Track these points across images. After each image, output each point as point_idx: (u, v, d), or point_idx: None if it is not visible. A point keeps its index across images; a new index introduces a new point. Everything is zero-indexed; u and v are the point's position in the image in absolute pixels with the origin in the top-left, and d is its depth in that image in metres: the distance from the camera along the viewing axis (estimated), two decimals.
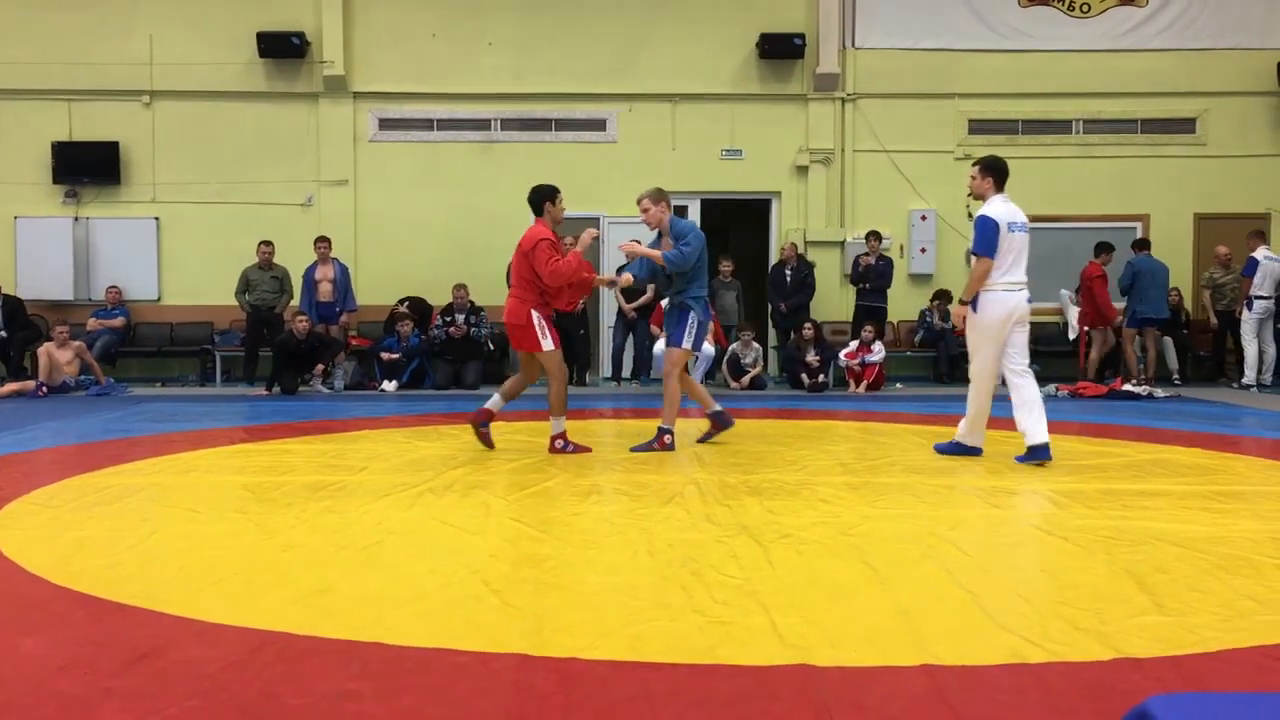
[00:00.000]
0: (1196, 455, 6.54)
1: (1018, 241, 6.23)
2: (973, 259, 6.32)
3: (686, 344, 6.83)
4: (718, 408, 7.12)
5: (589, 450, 6.65)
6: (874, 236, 12.78)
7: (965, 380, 6.66)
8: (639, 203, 7.00)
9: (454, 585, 3.38)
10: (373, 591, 3.34)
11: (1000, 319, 6.21)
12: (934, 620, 2.98)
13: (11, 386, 11.17)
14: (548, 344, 6.57)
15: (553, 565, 3.66)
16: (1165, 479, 5.52)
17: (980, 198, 6.45)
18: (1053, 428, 6.25)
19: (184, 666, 2.59)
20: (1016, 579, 3.45)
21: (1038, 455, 6.01)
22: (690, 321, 6.81)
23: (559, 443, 6.61)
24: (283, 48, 13.16)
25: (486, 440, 6.77)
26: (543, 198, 6.86)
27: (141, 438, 7.43)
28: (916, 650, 2.70)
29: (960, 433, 6.55)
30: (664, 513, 4.56)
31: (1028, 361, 6.32)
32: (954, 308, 6.51)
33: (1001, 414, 6.46)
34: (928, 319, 13.00)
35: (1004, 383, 6.37)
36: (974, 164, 6.57)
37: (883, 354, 11.90)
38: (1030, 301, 6.30)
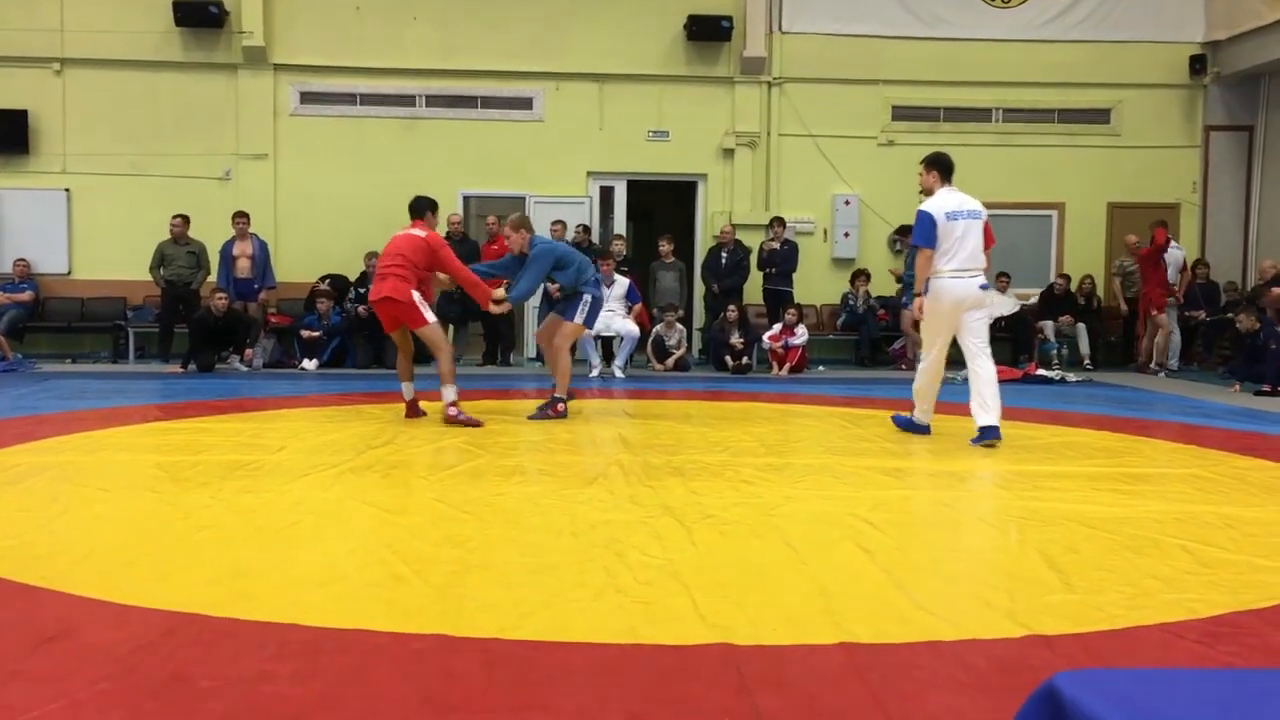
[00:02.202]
0: (1106, 438, 6.73)
1: (959, 229, 6.40)
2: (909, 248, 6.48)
3: (578, 320, 7.32)
4: (564, 396, 7.39)
5: (480, 424, 6.81)
6: (778, 222, 12.86)
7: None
8: (501, 231, 7.21)
9: (374, 566, 3.35)
10: (291, 573, 3.29)
11: (950, 305, 6.42)
12: (852, 599, 3.03)
13: None
14: (430, 318, 7.02)
15: (474, 545, 3.64)
16: (1075, 461, 5.67)
17: (928, 192, 6.64)
18: (968, 410, 6.37)
19: (94, 649, 2.53)
20: (932, 559, 3.52)
21: (988, 436, 6.16)
22: (583, 302, 7.29)
23: (452, 410, 6.86)
24: (200, 16, 12.82)
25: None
26: (427, 206, 7.41)
27: (50, 415, 7.22)
28: (835, 629, 2.74)
29: (917, 412, 6.81)
30: (587, 493, 4.56)
31: (985, 343, 6.55)
32: (915, 301, 6.73)
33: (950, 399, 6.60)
34: (850, 302, 13.15)
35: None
36: (920, 161, 6.81)
37: (806, 337, 12.02)
38: (985, 288, 6.53)
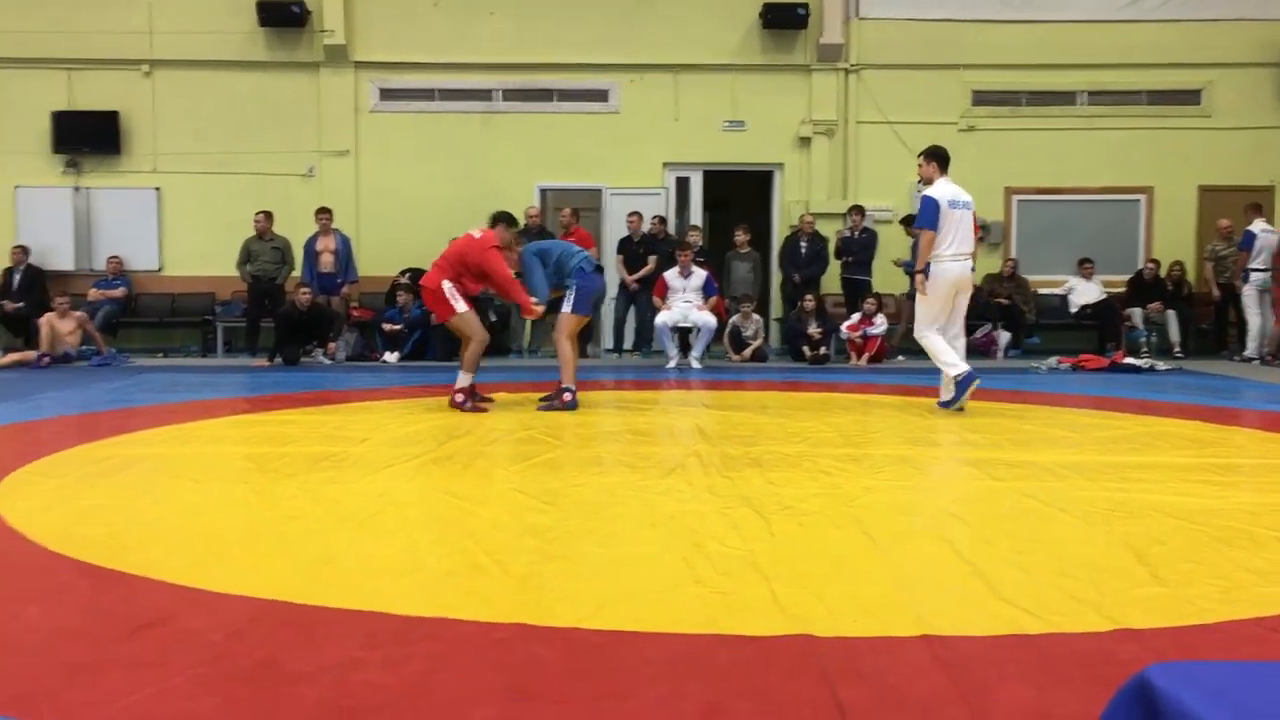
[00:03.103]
0: (1197, 428, 6.55)
1: (957, 217, 7.15)
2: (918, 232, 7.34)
3: (566, 309, 7.49)
4: (571, 386, 7.47)
5: (486, 410, 7.10)
6: (857, 211, 12.72)
7: (968, 352, 6.94)
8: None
9: (456, 555, 3.40)
10: (375, 561, 3.36)
11: (948, 285, 7.19)
12: (933, 591, 3.00)
13: (13, 356, 11.19)
14: (460, 306, 7.31)
15: (554, 536, 3.67)
16: (1165, 452, 5.53)
17: (928, 181, 7.37)
18: (1055, 400, 6.26)
19: (187, 635, 2.60)
20: (1016, 550, 3.46)
21: (960, 395, 7.04)
22: (571, 293, 7.47)
23: (459, 397, 7.12)
24: (283, 16, 13.09)
25: (481, 408, 7.19)
26: (499, 219, 7.63)
27: (143, 408, 7.44)
28: (916, 621, 2.71)
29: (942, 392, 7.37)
30: (665, 484, 4.57)
31: (962, 326, 7.41)
32: (918, 280, 7.34)
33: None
34: None
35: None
36: (919, 155, 7.51)
37: (885, 326, 11.89)
38: (973, 270, 7.31)
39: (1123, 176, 13.67)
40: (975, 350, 12.66)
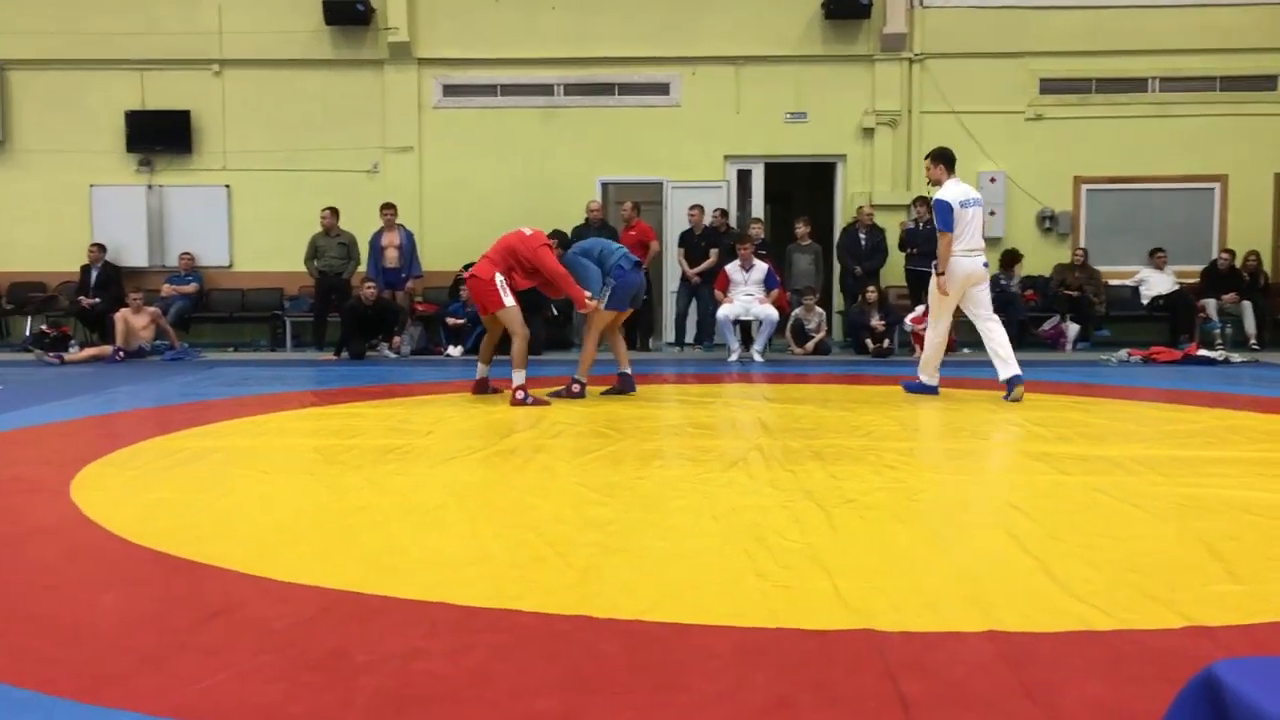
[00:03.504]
0: (1273, 421, 6.38)
1: (969, 216, 7.50)
2: (938, 235, 7.57)
3: (600, 304, 7.62)
4: (628, 371, 7.83)
5: (548, 403, 7.18)
6: (921, 202, 12.53)
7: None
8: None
9: (518, 547, 3.42)
10: (439, 552, 3.39)
11: (959, 280, 7.50)
12: (999, 586, 2.96)
13: (90, 351, 11.47)
14: (508, 300, 7.36)
15: (615, 529, 3.68)
16: (1240, 446, 5.40)
17: (937, 183, 7.70)
18: (1125, 393, 6.14)
19: (256, 623, 2.65)
20: (1084, 546, 3.40)
21: (1014, 384, 7.27)
22: (608, 290, 7.64)
23: (519, 394, 7.15)
24: (348, 15, 13.26)
25: (488, 390, 7.70)
26: (553, 234, 7.87)
27: (215, 401, 7.59)
28: (981, 616, 2.68)
29: (922, 375, 7.85)
30: (727, 477, 4.56)
31: (989, 309, 7.61)
32: (934, 279, 7.67)
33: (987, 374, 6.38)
34: (1003, 283, 12.77)
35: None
36: (926, 157, 7.95)
37: None
38: (986, 265, 7.61)
39: (1196, 164, 13.35)
40: (1044, 343, 12.48)
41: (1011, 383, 7.31)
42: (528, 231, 7.61)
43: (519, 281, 7.58)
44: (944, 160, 7.71)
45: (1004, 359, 7.39)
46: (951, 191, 7.52)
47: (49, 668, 2.35)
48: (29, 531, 3.66)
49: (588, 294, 7.56)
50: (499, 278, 7.38)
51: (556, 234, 7.91)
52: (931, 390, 7.75)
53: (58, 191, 13.68)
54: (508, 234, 7.70)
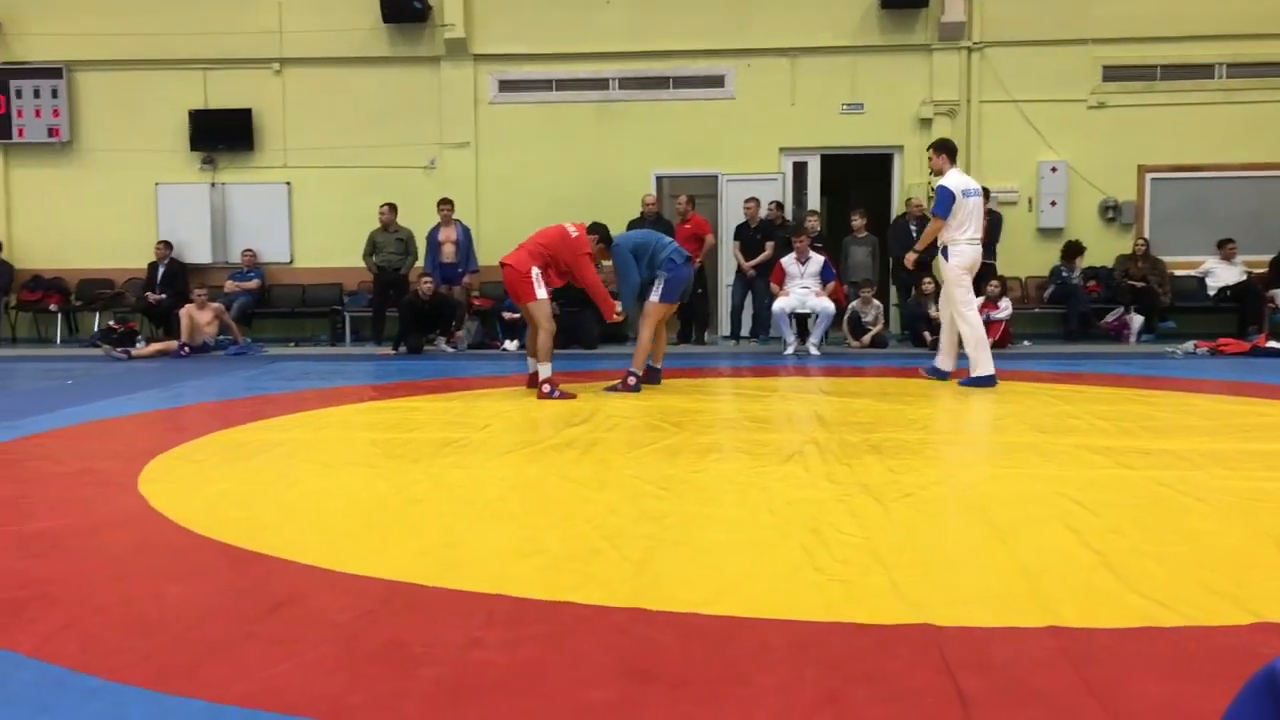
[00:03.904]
0: None
1: (971, 205, 7.86)
2: (933, 219, 7.99)
3: (654, 298, 7.74)
4: (657, 366, 8.03)
5: (574, 397, 7.20)
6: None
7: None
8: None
9: (574, 540, 3.44)
10: (496, 545, 3.42)
11: (966, 265, 7.91)
12: (1060, 582, 2.91)
13: (156, 347, 11.70)
14: (541, 293, 7.43)
15: (672, 521, 3.68)
16: None
17: (939, 173, 8.02)
18: (1190, 386, 6.02)
19: (319, 614, 2.70)
20: (1148, 541, 3.34)
21: (984, 383, 7.69)
22: (660, 283, 7.71)
23: (545, 388, 7.22)
24: (405, 12, 13.38)
25: (570, 395, 7.41)
26: (599, 233, 7.80)
27: (277, 395, 7.71)
28: (1041, 611, 2.64)
29: (939, 360, 8.29)
30: (783, 471, 4.54)
31: (977, 302, 8.19)
32: (909, 255, 8.35)
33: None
34: (1062, 274, 12.59)
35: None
36: (929, 147, 8.30)
37: (1010, 310, 11.59)
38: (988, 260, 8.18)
39: (1264, 152, 13.04)
40: (1107, 335, 12.27)
41: (934, 372, 8.15)
42: (573, 233, 7.61)
43: (553, 279, 7.65)
44: (946, 150, 8.07)
45: (946, 352, 8.15)
46: (954, 180, 7.86)
47: (118, 657, 2.41)
48: (98, 523, 3.75)
49: (617, 305, 7.75)
50: (535, 271, 7.42)
51: (597, 228, 7.86)
52: (944, 375, 8.17)
53: (124, 190, 13.98)
54: (550, 229, 7.72)
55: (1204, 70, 13.13)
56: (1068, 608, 2.67)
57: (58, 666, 2.35)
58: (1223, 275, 12.60)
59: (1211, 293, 12.63)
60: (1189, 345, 10.80)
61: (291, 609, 2.74)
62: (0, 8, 13.93)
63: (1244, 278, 12.46)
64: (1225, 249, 12.65)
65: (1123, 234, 13.19)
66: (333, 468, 4.82)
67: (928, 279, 11.76)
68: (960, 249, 7.87)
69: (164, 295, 12.98)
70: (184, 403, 7.53)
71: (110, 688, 2.23)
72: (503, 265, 7.61)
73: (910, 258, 8.19)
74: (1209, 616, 2.61)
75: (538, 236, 7.66)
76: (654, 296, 7.75)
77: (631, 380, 7.59)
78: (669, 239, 8.08)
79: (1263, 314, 12.13)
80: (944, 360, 8.20)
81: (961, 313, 7.92)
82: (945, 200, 7.79)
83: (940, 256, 8.03)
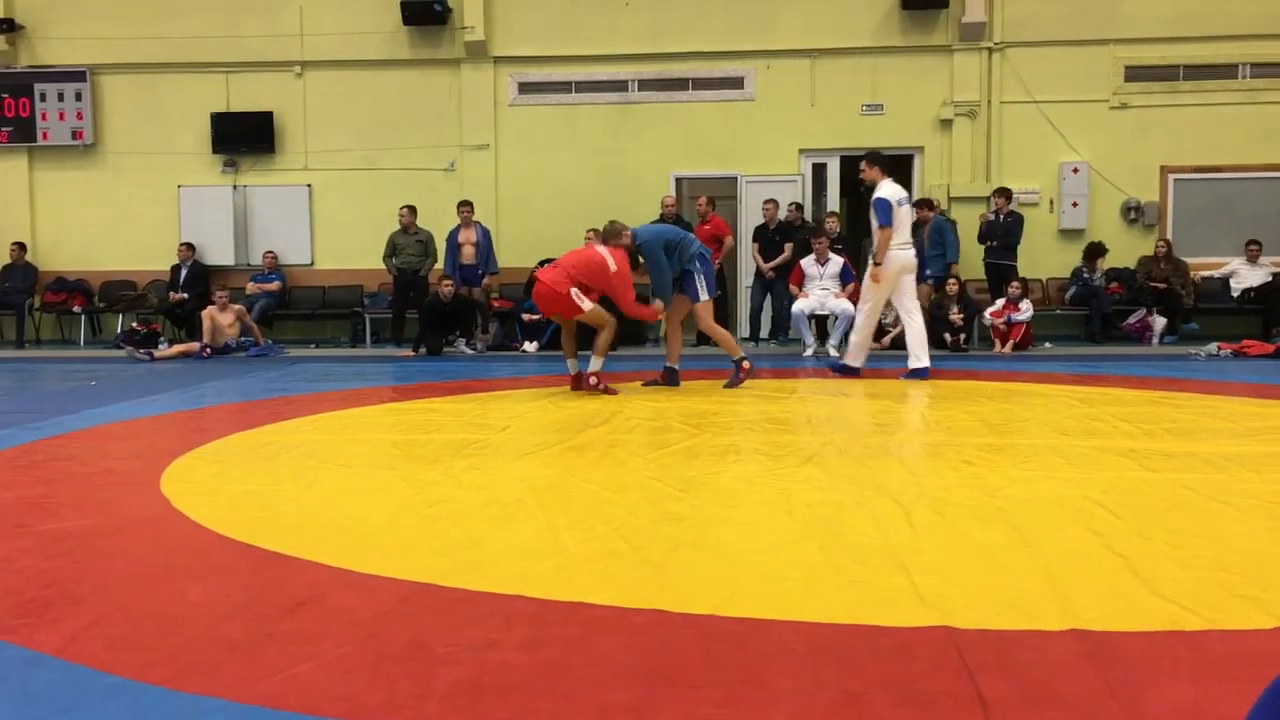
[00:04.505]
0: None
1: (904, 213, 8.40)
2: (878, 230, 8.32)
3: (704, 296, 7.92)
4: (676, 367, 8.10)
5: (616, 393, 7.42)
6: (1000, 194, 12.34)
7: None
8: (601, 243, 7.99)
9: (593, 541, 3.44)
10: (516, 546, 3.42)
11: (895, 271, 8.36)
12: (1082, 585, 2.90)
13: (178, 348, 11.78)
14: (587, 305, 7.55)
15: (691, 523, 3.68)
16: None
17: (873, 184, 8.44)
18: (1214, 388, 5.98)
19: (339, 614, 2.71)
20: (1172, 544, 3.31)
21: (919, 375, 8.33)
22: (696, 279, 7.85)
23: (592, 379, 7.50)
24: (425, 15, 13.42)
25: (613, 390, 7.57)
26: (610, 232, 7.88)
27: (298, 397, 7.75)
28: (1064, 615, 2.62)
29: (849, 356, 8.76)
30: (803, 473, 4.53)
31: (915, 301, 8.56)
32: (870, 269, 8.46)
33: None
34: (1083, 276, 12.51)
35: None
36: (862, 159, 8.72)
37: (1031, 312, 11.54)
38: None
39: None
40: (1130, 336, 12.19)
41: (914, 374, 8.35)
42: (613, 267, 7.59)
43: (589, 297, 7.72)
44: (879, 162, 8.55)
45: (916, 353, 8.42)
46: (889, 190, 8.31)
47: (140, 655, 2.42)
48: (121, 523, 3.77)
49: (657, 304, 7.88)
50: (574, 291, 7.51)
51: (612, 229, 7.99)
52: (854, 373, 8.55)
53: (147, 192, 14.07)
54: (587, 253, 7.79)
55: (1227, 70, 13.03)
56: (1090, 610, 2.66)
57: (82, 666, 2.36)
58: (1247, 277, 12.51)
59: (1235, 294, 12.53)
60: (1212, 347, 10.71)
61: (312, 609, 2.75)
62: (24, 12, 14.05)
63: (1269, 279, 12.36)
64: (1249, 250, 12.55)
65: (1145, 235, 13.10)
66: (353, 469, 4.84)
67: (952, 280, 11.72)
68: (891, 255, 8.29)
69: (185, 295, 13.06)
70: (206, 404, 7.57)
71: (132, 686, 2.25)
72: (538, 283, 7.71)
73: (874, 271, 8.38)
74: (1233, 620, 2.59)
75: (575, 260, 7.71)
76: (703, 295, 7.93)
77: (746, 365, 7.92)
78: (691, 235, 8.30)
79: None
80: (914, 360, 8.47)
81: (867, 310, 8.52)
82: (886, 210, 8.24)
83: (870, 260, 8.46)
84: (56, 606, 2.80)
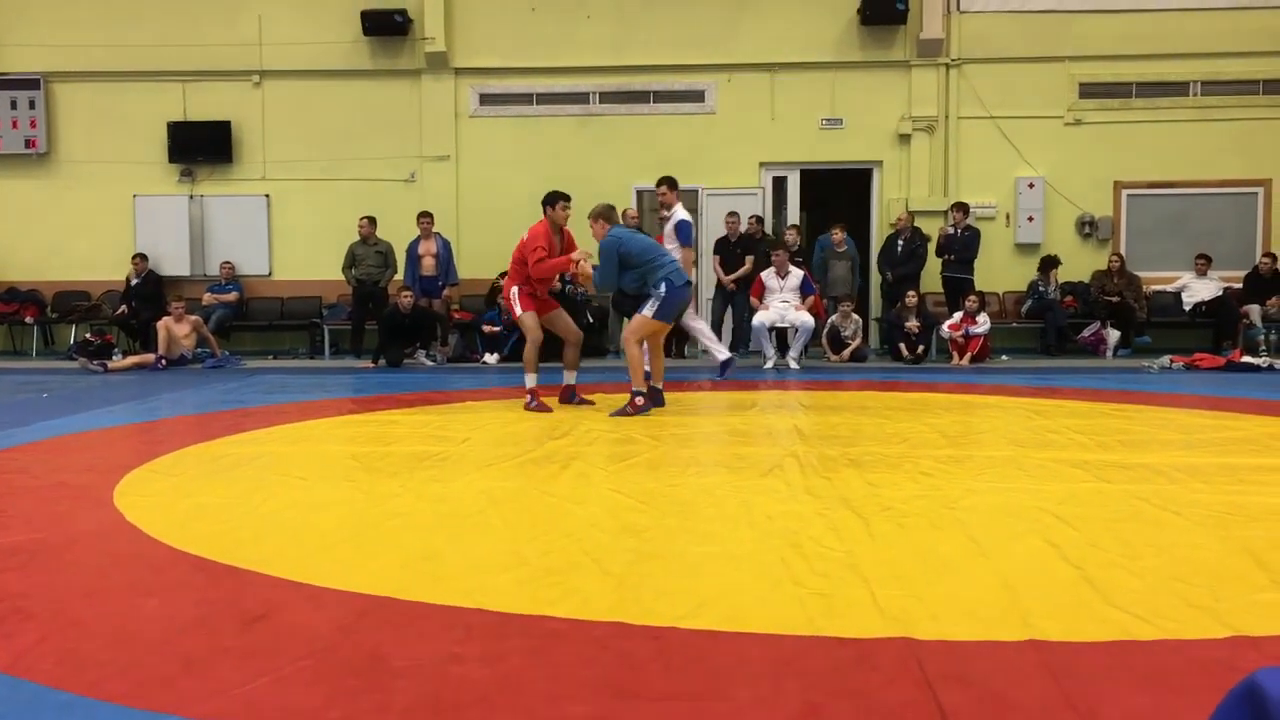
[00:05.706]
0: None
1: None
2: (680, 250, 8.63)
3: (646, 313, 7.32)
4: (659, 386, 7.60)
5: (550, 410, 7.28)
6: (958, 208, 12.48)
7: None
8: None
9: (554, 553, 3.43)
10: (476, 558, 3.41)
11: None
12: (1039, 595, 2.93)
13: (132, 359, 11.62)
14: (518, 309, 7.64)
15: (651, 535, 3.68)
16: None
17: (669, 207, 9.17)
18: (1167, 400, 6.07)
19: (296, 628, 2.68)
20: (1126, 555, 3.36)
21: (728, 367, 9.53)
22: (657, 301, 7.26)
23: (528, 398, 7.43)
24: (386, 25, 13.37)
25: (546, 408, 7.39)
26: (548, 200, 7.77)
27: (255, 408, 7.67)
28: (1021, 625, 2.65)
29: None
30: (763, 485, 4.55)
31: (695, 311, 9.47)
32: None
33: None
34: (1039, 289, 12.67)
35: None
36: (659, 184, 9.31)
37: (988, 325, 11.65)
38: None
39: (1239, 169, 13.17)
40: (1084, 349, 12.35)
41: (725, 365, 9.47)
42: (524, 235, 7.68)
43: (537, 286, 7.69)
44: (675, 186, 9.23)
45: (717, 345, 9.70)
46: (684, 212, 9.12)
47: (93, 671, 2.38)
48: (73, 537, 3.71)
49: (574, 253, 7.63)
50: (514, 290, 7.63)
51: (549, 197, 7.83)
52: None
53: (101, 202, 13.89)
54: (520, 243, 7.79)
55: (1179, 88, 13.26)
56: (1047, 621, 2.68)
57: (32, 682, 2.32)
58: (1198, 290, 12.71)
59: (1187, 308, 12.74)
60: (1165, 360, 10.88)
61: (269, 623, 2.72)
62: None
63: (1219, 293, 12.57)
64: (1198, 264, 12.77)
65: (1099, 250, 13.29)
66: (311, 481, 4.79)
67: (911, 292, 11.81)
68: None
69: (125, 308, 12.90)
70: (160, 416, 7.48)
71: (85, 703, 2.21)
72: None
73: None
74: (1186, 630, 2.63)
75: (515, 254, 7.72)
76: (648, 311, 7.29)
77: (639, 400, 7.13)
78: (672, 258, 7.65)
79: (1237, 329, 12.23)
80: (720, 351, 9.62)
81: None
82: (688, 230, 9.04)
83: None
84: (6, 621, 2.75)
